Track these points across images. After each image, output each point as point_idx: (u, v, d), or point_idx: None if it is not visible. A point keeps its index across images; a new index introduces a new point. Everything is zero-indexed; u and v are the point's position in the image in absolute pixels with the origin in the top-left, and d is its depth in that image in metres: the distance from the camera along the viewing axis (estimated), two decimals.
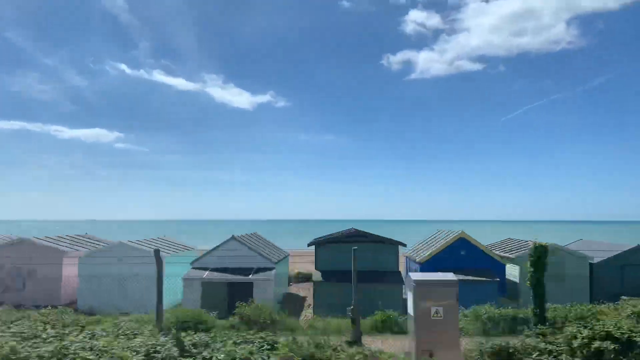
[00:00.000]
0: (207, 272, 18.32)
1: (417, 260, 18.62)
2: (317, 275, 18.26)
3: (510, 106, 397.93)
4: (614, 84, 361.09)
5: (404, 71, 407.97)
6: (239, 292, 18.09)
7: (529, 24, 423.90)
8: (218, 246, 19.19)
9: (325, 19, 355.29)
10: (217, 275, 18.15)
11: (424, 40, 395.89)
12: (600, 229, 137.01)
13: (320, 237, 20.47)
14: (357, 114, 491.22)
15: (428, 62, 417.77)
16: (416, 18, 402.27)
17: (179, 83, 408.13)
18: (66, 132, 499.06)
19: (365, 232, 18.65)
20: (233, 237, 19.30)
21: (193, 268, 18.93)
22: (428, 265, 18.33)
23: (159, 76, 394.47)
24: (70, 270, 19.79)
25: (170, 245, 22.11)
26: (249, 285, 17.98)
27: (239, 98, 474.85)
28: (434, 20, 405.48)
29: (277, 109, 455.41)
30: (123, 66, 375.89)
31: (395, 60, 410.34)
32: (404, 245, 18.82)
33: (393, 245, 18.44)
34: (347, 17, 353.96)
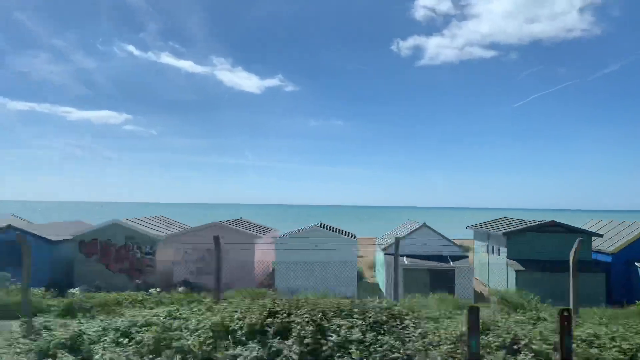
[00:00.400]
0: (406, 259, 18.91)
1: (609, 251, 19.19)
2: (513, 264, 18.86)
3: (522, 93, 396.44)
4: (627, 71, 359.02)
5: (414, 57, 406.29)
6: (439, 279, 18.70)
7: (542, 10, 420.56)
8: (410, 233, 19.75)
9: (335, 4, 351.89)
10: (419, 262, 18.74)
11: (434, 25, 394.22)
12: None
13: (511, 227, 20.95)
14: (366, 99, 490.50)
15: (438, 48, 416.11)
16: (426, 3, 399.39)
17: (188, 66, 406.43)
18: (75, 114, 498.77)
19: (562, 223, 19.18)
20: (425, 225, 19.87)
21: (385, 254, 19.52)
22: (620, 256, 18.91)
23: (167, 58, 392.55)
24: (258, 254, 20.42)
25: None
26: (450, 273, 18.59)
27: (247, 82, 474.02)
28: (444, 5, 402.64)
29: (285, 93, 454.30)
30: (131, 48, 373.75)
31: (405, 45, 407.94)
32: (600, 235, 19.38)
33: (586, 235, 19.00)
34: (357, 1, 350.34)
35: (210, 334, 6.90)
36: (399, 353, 6.33)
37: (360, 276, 22.78)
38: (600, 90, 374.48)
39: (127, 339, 6.91)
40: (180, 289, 13.69)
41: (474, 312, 5.73)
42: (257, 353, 6.45)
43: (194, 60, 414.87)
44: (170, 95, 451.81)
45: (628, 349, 6.45)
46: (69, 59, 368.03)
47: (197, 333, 6.91)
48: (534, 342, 6.34)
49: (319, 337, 6.65)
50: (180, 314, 7.89)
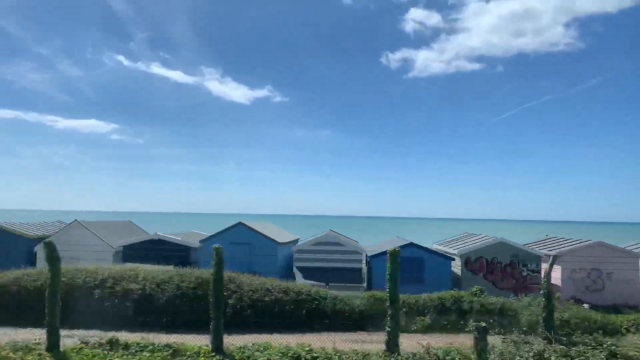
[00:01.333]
0: None
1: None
2: None
3: (507, 106, 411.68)
4: (609, 84, 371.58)
5: (403, 69, 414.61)
6: None
7: (528, 24, 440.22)
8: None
9: (325, 15, 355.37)
10: None
11: (424, 39, 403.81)
12: (588, 230, 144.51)
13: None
14: (354, 110, 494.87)
15: (427, 61, 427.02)
16: (416, 17, 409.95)
17: (177, 76, 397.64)
18: (62, 122, 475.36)
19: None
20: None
21: None
22: None
23: (156, 69, 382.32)
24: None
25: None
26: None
27: (236, 92, 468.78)
28: (434, 19, 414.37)
29: (274, 104, 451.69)
30: (121, 57, 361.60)
31: (394, 58, 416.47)
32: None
33: None
34: (347, 13, 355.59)
35: None
36: None
37: None
38: (580, 103, 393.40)
39: None
40: None
41: None
42: None
43: (183, 70, 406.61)
44: (159, 105, 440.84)
45: None
46: (57, 67, 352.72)
47: None
48: None
49: None
50: None
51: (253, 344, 10.80)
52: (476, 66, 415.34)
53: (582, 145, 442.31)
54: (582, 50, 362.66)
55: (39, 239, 23.16)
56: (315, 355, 10.09)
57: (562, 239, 24.82)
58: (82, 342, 10.47)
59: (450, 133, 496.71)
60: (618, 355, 9.60)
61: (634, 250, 22.46)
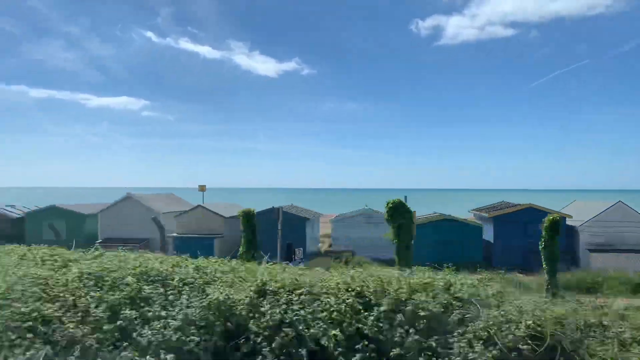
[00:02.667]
0: None
1: None
2: None
3: (540, 72, 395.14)
4: None
5: (433, 37, 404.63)
6: None
7: None
8: None
9: None
10: None
11: (455, 4, 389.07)
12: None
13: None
14: (383, 81, 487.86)
15: (458, 28, 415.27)
16: None
17: (205, 51, 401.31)
18: (94, 101, 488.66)
19: None
20: None
21: None
22: None
23: (185, 44, 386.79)
24: None
25: None
26: None
27: (264, 66, 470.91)
28: None
29: (302, 77, 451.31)
30: (150, 34, 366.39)
31: (424, 25, 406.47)
32: None
33: None
34: None
35: None
36: None
37: None
38: (617, 68, 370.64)
39: None
40: None
41: None
42: None
43: (211, 45, 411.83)
44: (188, 81, 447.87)
45: None
46: (86, 46, 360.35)
47: None
48: None
49: None
50: None
51: None
52: (510, 32, 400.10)
53: (620, 109, 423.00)
54: (623, 13, 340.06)
55: None
56: None
57: None
58: None
59: (482, 101, 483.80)
60: None
61: None
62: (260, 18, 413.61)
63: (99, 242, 23.95)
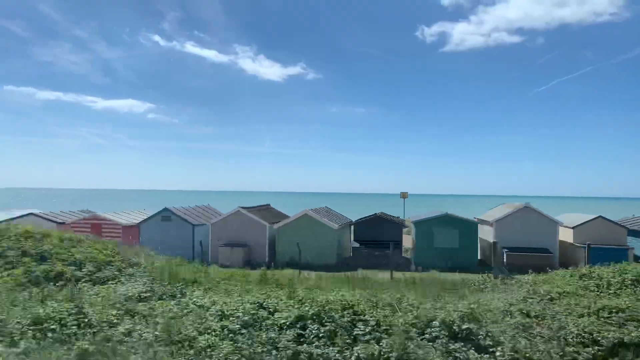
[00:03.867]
0: None
1: None
2: None
3: (545, 78, 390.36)
4: None
5: (439, 43, 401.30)
6: None
7: None
8: None
9: None
10: None
11: (461, 11, 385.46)
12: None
13: None
14: (388, 86, 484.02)
15: (464, 34, 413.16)
16: None
17: (211, 55, 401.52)
18: (100, 103, 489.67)
19: None
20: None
21: None
22: None
23: (191, 48, 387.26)
24: None
25: None
26: None
27: (270, 70, 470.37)
28: None
29: (307, 81, 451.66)
30: (157, 38, 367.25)
31: (429, 32, 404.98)
32: None
33: None
34: None
35: None
36: None
37: None
38: (623, 74, 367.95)
39: None
40: None
41: None
42: None
43: (217, 49, 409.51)
44: (194, 84, 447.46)
45: None
46: (94, 49, 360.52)
47: None
48: None
49: None
50: None
51: None
52: (516, 38, 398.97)
53: (626, 115, 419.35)
54: (629, 20, 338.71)
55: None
56: None
57: None
58: None
59: (487, 108, 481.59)
60: None
61: None
62: (266, 23, 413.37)
63: None
